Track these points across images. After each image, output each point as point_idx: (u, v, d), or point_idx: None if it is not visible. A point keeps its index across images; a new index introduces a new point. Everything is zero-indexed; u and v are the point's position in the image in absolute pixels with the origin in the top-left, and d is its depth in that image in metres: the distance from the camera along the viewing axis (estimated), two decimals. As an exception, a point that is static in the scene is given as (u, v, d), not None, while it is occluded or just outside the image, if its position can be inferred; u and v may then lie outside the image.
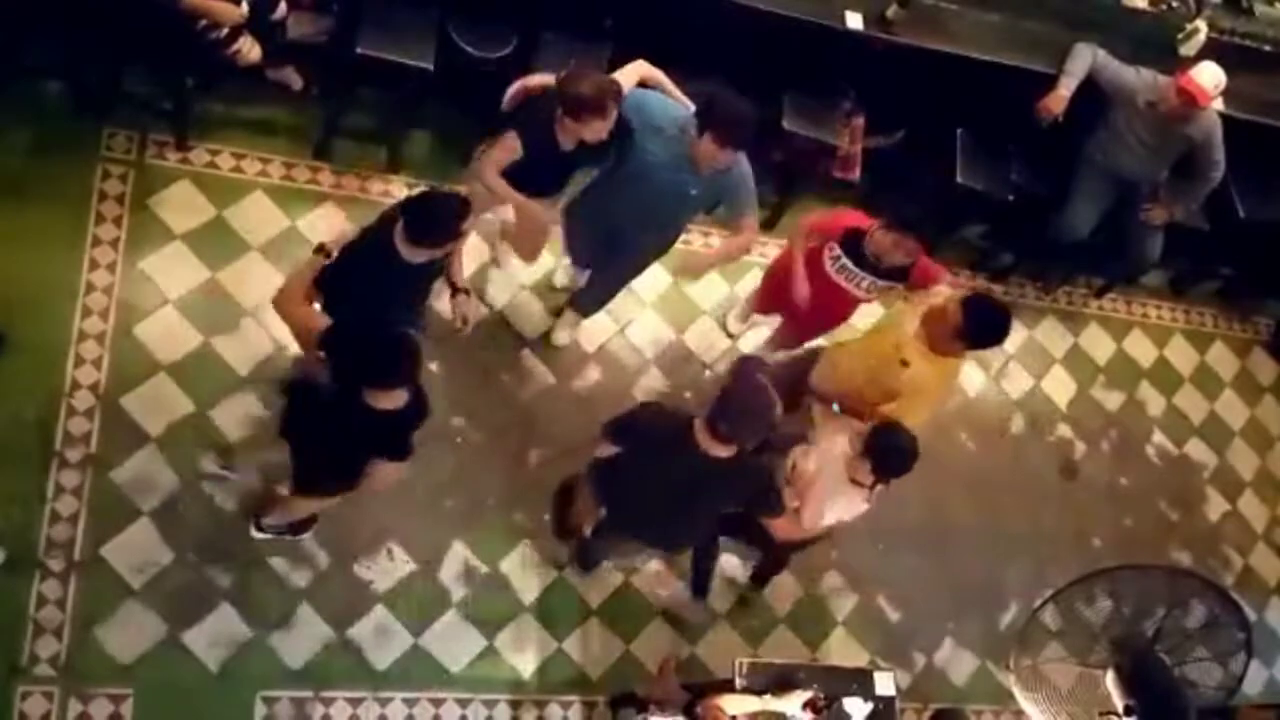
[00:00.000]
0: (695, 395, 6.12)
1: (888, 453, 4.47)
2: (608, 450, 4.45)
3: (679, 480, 4.24)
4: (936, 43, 5.99)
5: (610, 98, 4.56)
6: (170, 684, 4.72)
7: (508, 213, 5.41)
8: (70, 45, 5.39)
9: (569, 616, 5.44)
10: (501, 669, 5.25)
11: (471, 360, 5.74)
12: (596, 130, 4.64)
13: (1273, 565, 7.11)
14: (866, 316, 5.92)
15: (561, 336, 5.94)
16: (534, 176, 4.88)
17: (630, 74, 4.83)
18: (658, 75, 4.93)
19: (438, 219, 4.22)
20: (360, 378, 3.91)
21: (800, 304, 5.21)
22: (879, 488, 4.62)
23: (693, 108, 4.80)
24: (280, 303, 4.34)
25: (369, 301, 4.22)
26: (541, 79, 4.81)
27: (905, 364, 4.81)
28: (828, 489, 4.62)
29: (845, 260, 5.10)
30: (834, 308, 5.44)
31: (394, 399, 3.97)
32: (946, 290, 5.01)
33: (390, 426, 4.04)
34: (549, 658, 5.34)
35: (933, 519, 6.27)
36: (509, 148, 4.76)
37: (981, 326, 4.71)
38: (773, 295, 5.74)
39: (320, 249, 4.31)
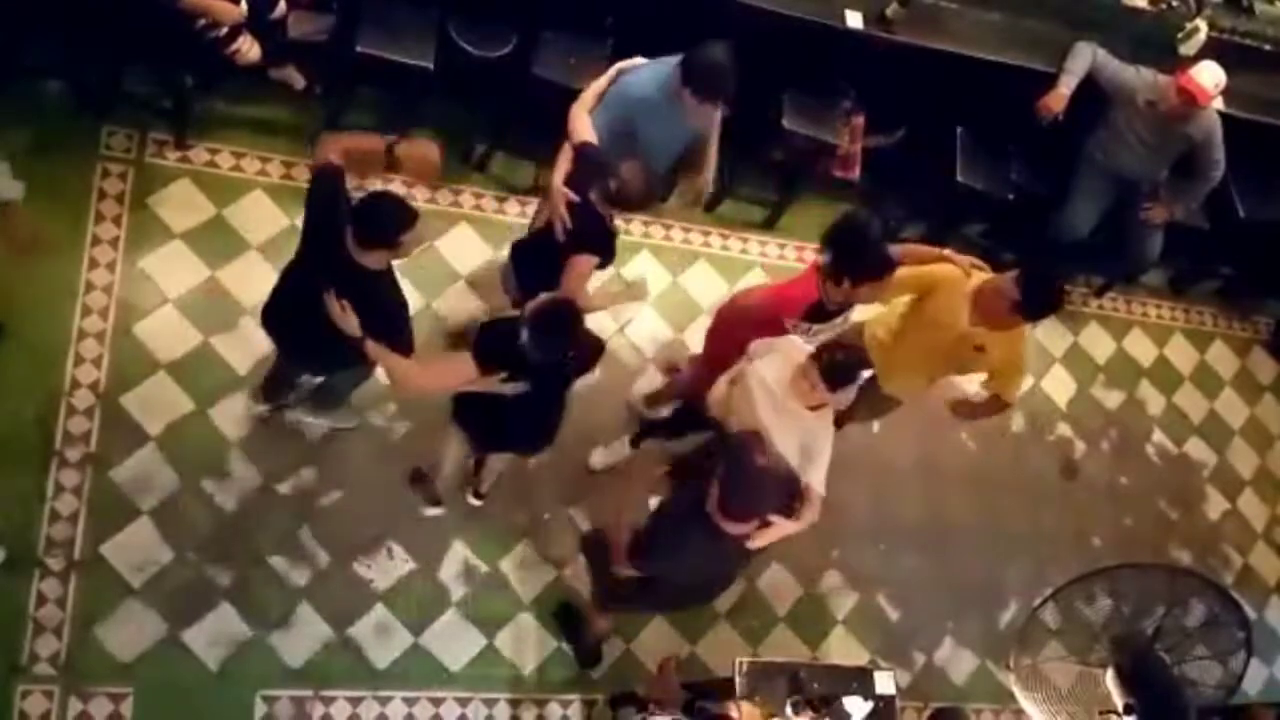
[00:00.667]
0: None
1: (834, 366, 4.26)
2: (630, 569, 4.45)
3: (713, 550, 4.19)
4: (936, 41, 5.99)
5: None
6: (170, 683, 4.72)
7: None
8: (70, 44, 5.39)
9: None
10: (501, 668, 5.26)
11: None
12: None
13: (1272, 564, 7.11)
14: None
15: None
16: None
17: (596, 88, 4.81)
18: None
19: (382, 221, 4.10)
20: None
21: None
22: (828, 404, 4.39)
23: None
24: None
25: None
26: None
27: (980, 349, 4.89)
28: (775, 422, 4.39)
29: (815, 323, 4.79)
30: None
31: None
32: (964, 265, 4.95)
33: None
34: (549, 656, 5.34)
35: (933, 518, 6.27)
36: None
37: (1039, 299, 4.75)
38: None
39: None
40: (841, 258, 4.60)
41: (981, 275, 4.94)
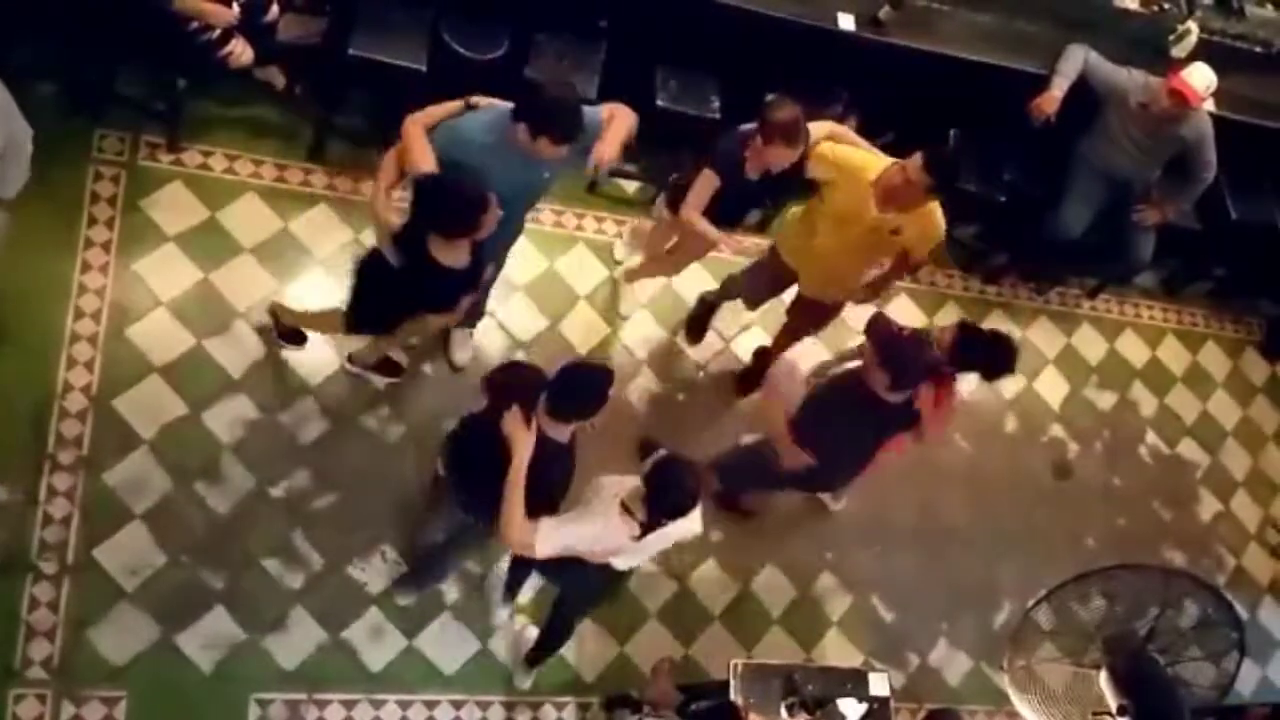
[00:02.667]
0: (688, 395, 6.13)
1: (666, 488, 3.98)
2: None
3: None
4: (929, 44, 6.00)
5: (803, 131, 4.86)
6: (164, 686, 4.71)
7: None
8: (63, 46, 5.39)
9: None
10: (496, 670, 5.25)
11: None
12: (782, 158, 4.90)
13: (1265, 565, 7.13)
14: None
15: (462, 357, 5.74)
16: (721, 208, 5.19)
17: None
18: None
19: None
20: (437, 223, 4.26)
21: None
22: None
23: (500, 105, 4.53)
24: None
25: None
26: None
27: (896, 232, 5.01)
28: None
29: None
30: None
31: (457, 255, 4.34)
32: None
33: (447, 283, 4.41)
34: (543, 659, 5.34)
35: (927, 520, 6.28)
36: (709, 184, 5.07)
37: (945, 174, 4.88)
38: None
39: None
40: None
41: (883, 162, 5.02)
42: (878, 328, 4.63)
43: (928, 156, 4.80)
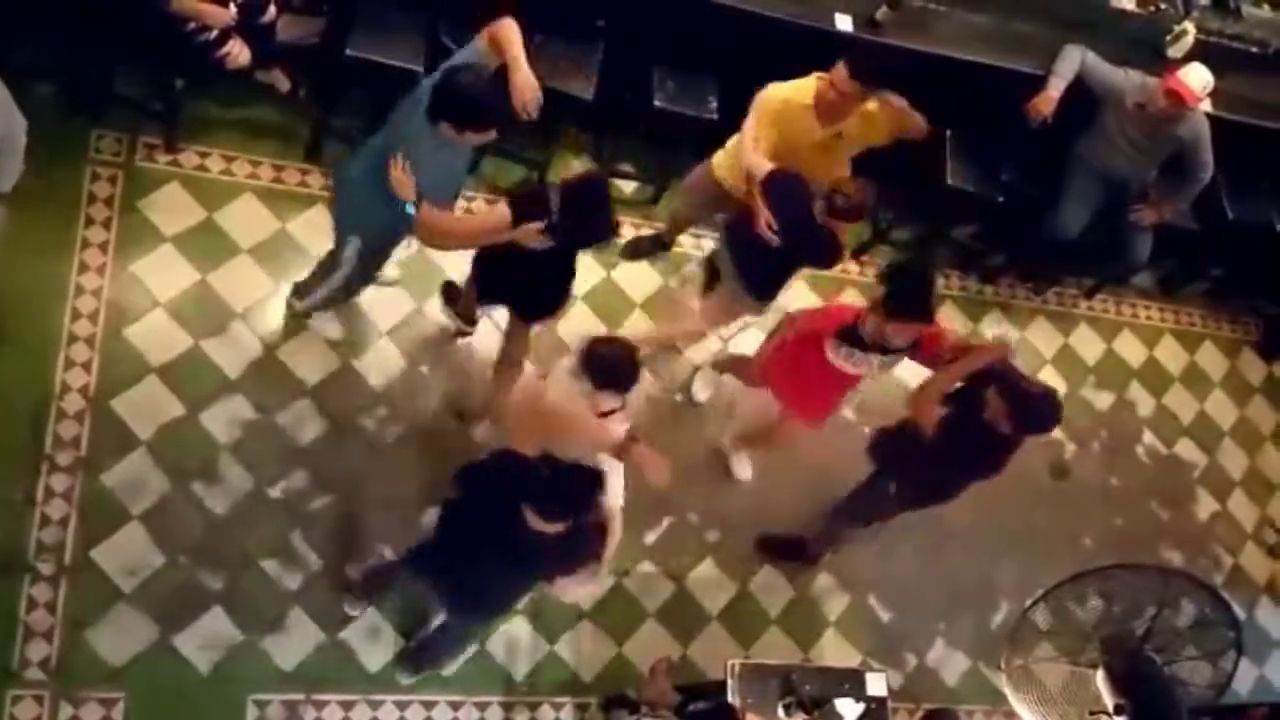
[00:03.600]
0: (685, 397, 6.13)
1: (601, 365, 4.28)
2: None
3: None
4: (926, 44, 6.00)
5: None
6: (161, 687, 4.71)
7: None
8: (60, 47, 5.39)
9: (561, 618, 5.43)
10: (494, 671, 5.25)
11: (466, 363, 5.75)
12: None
13: (1262, 564, 7.14)
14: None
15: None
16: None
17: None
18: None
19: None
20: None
21: (817, 418, 5.43)
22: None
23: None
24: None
25: None
26: None
27: (839, 135, 5.23)
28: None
29: (850, 349, 4.96)
30: (837, 387, 5.28)
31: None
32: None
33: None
34: (541, 659, 5.34)
35: (924, 520, 6.24)
36: None
37: (870, 70, 5.03)
38: (777, 387, 5.53)
39: None
40: (888, 292, 4.81)
41: (811, 83, 5.14)
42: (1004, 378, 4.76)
43: (850, 63, 4.96)
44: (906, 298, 4.76)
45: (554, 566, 4.22)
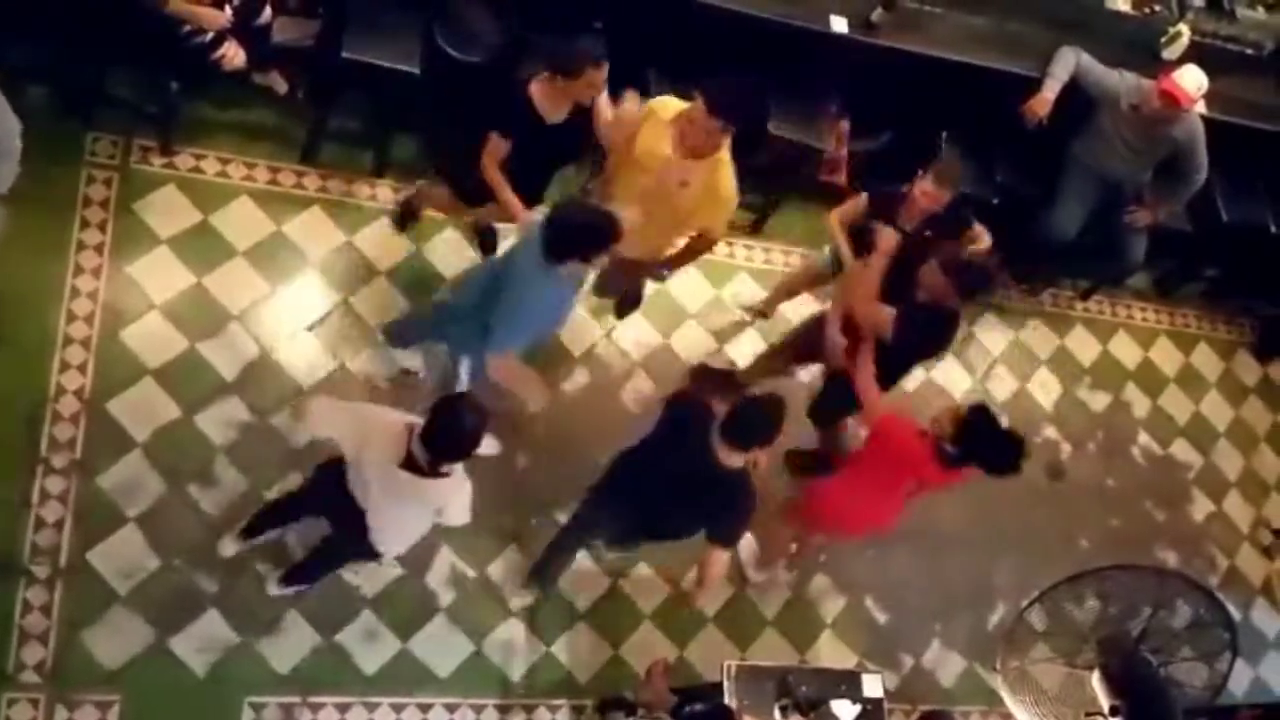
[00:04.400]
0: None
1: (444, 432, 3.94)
2: None
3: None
4: (921, 46, 6.01)
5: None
6: (157, 690, 4.70)
7: None
8: (55, 49, 5.38)
9: (557, 620, 5.44)
10: (489, 673, 5.25)
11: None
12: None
13: (1257, 565, 7.15)
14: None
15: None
16: None
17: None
18: None
19: None
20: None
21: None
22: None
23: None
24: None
25: None
26: None
27: (685, 184, 4.82)
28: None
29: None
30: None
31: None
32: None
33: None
34: (537, 661, 5.34)
35: (920, 521, 6.25)
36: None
37: (730, 106, 4.63)
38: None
39: None
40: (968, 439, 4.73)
41: (678, 106, 4.85)
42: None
43: (708, 93, 4.56)
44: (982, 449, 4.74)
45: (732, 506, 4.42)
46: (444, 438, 3.82)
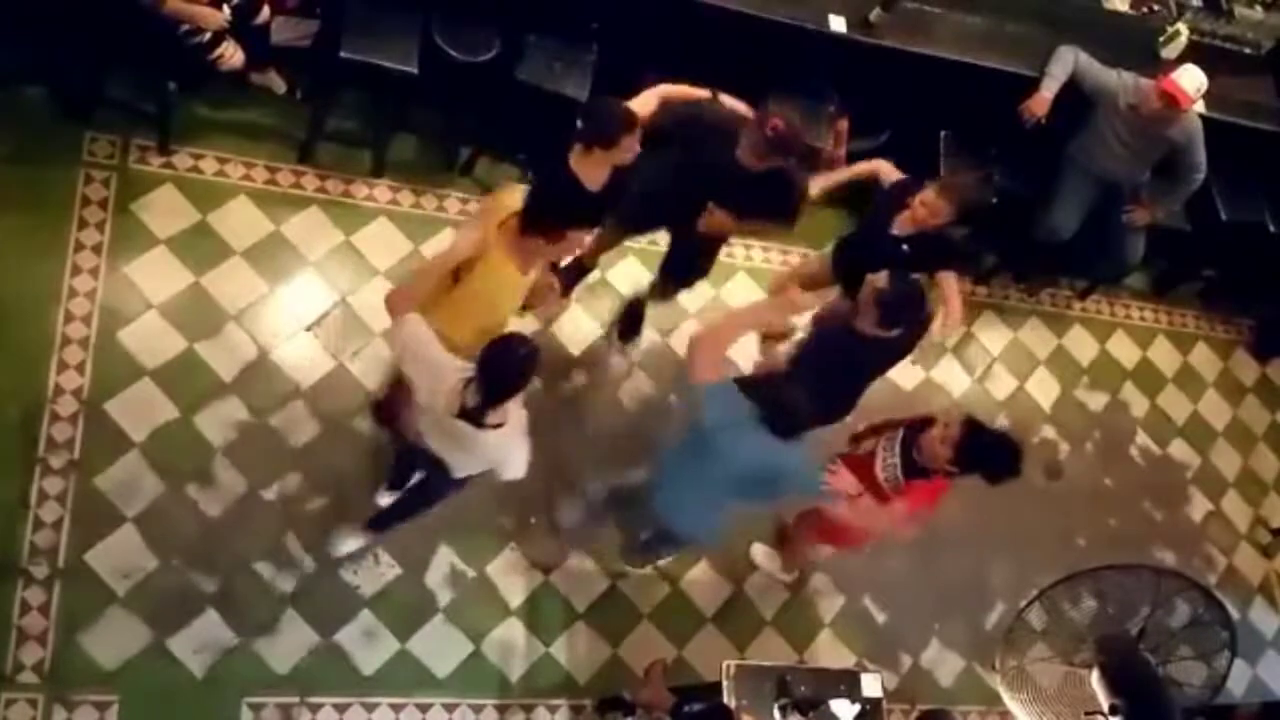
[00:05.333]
0: (680, 398, 6.13)
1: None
2: None
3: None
4: (920, 45, 6.01)
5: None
6: (155, 690, 4.70)
7: None
8: (53, 50, 5.37)
9: (556, 620, 5.44)
10: (488, 673, 5.25)
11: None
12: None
13: (1256, 564, 7.15)
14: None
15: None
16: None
17: None
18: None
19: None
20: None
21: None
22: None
23: None
24: None
25: None
26: None
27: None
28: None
29: (896, 458, 4.88)
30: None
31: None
32: None
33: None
34: (536, 661, 5.34)
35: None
36: None
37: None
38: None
39: None
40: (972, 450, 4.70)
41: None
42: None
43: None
44: (986, 459, 4.71)
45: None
46: (494, 372, 3.86)
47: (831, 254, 5.78)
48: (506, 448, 4.09)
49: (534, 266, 4.35)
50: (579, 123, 4.55)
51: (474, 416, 3.91)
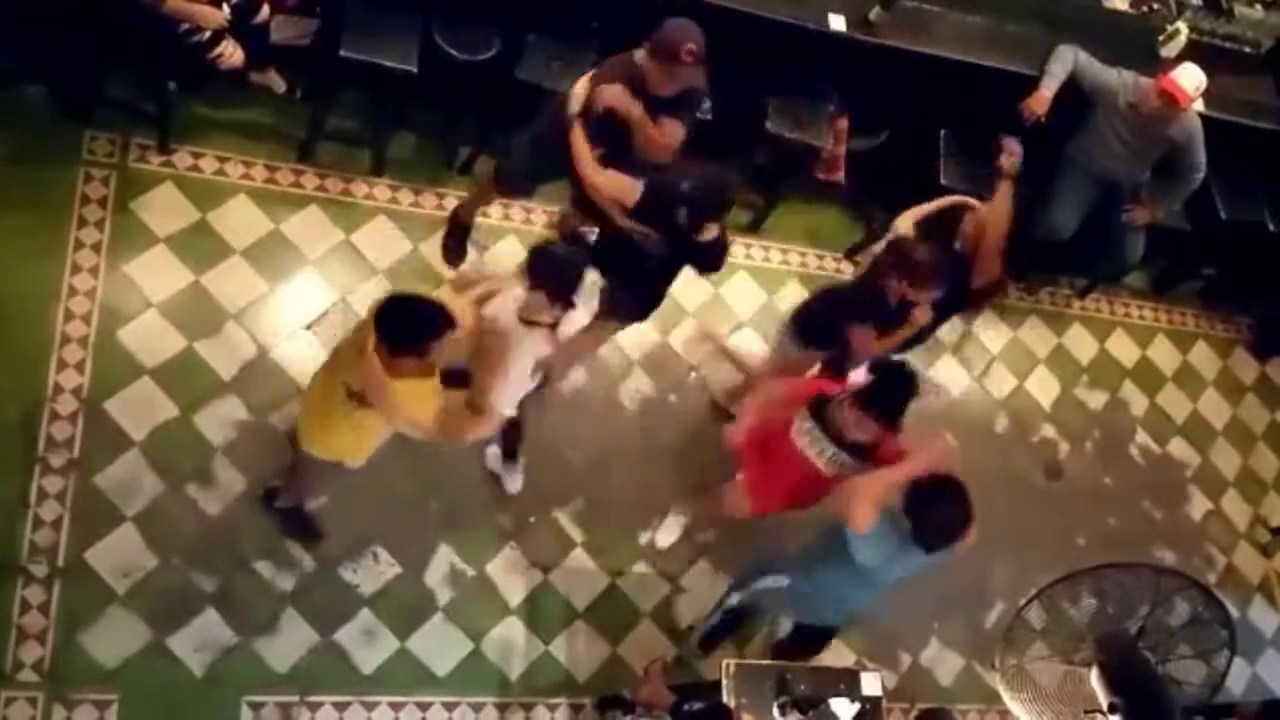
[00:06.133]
0: (680, 398, 6.13)
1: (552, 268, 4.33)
2: None
3: None
4: (919, 44, 6.01)
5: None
6: (155, 689, 4.70)
7: None
8: (52, 49, 5.37)
9: (555, 619, 5.44)
10: (488, 672, 5.25)
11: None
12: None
13: (1255, 563, 7.16)
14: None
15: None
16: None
17: None
18: None
19: None
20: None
21: (758, 496, 5.15)
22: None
23: None
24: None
25: None
26: None
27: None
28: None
29: (814, 424, 4.78)
30: (799, 479, 4.94)
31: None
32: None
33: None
34: (536, 660, 5.34)
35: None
36: None
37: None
38: (743, 450, 5.20)
39: None
40: (872, 382, 4.79)
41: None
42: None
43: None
44: (886, 395, 4.65)
45: None
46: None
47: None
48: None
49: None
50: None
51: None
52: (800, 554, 4.92)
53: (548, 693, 5.31)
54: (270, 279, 5.59)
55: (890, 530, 4.41)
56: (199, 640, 4.84)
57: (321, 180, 5.90)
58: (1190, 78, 5.93)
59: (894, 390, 4.71)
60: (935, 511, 4.40)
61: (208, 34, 5.13)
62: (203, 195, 5.63)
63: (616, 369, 6.08)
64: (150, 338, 5.26)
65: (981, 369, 6.97)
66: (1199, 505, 7.19)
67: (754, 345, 6.32)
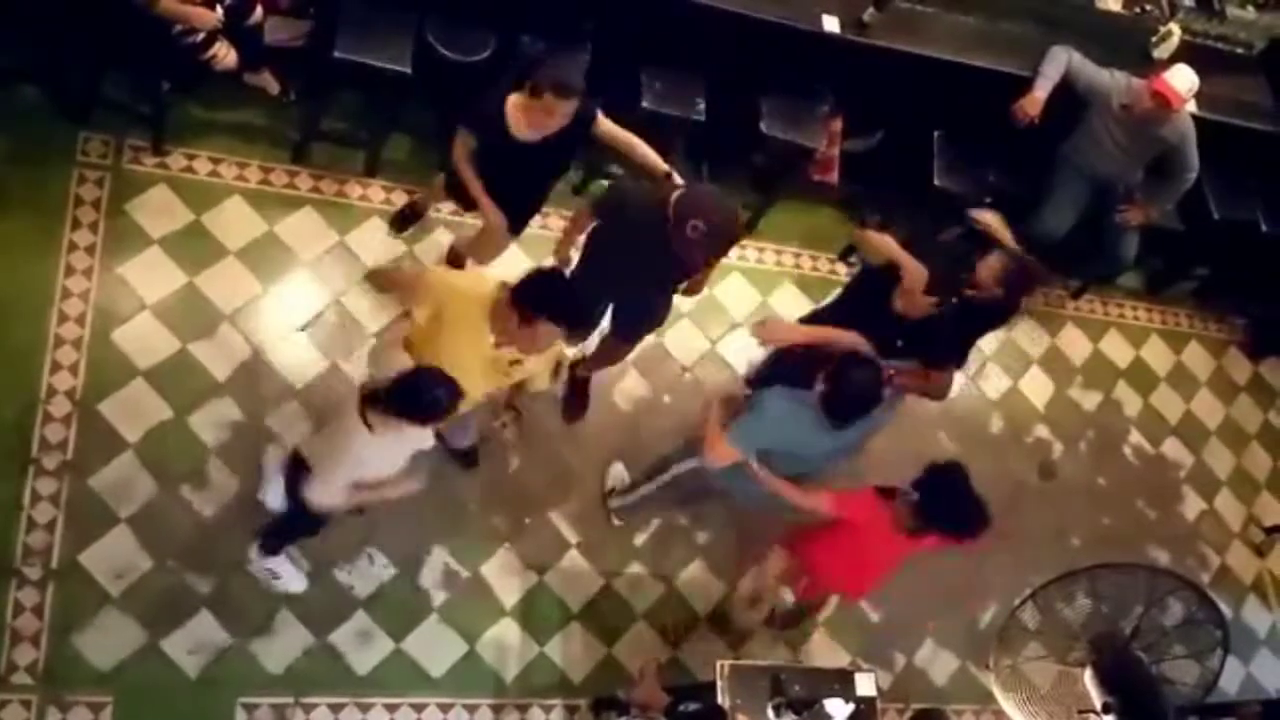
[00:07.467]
0: (673, 398, 6.13)
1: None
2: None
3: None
4: (913, 46, 6.01)
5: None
6: (150, 691, 4.70)
7: None
8: (46, 50, 5.36)
9: (550, 620, 5.44)
10: (483, 673, 5.25)
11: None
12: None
13: (1248, 563, 7.17)
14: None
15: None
16: None
17: None
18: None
19: None
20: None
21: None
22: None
23: None
24: None
25: None
26: None
27: (517, 362, 4.43)
28: None
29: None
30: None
31: None
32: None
33: None
34: (531, 661, 5.34)
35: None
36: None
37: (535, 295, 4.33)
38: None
39: None
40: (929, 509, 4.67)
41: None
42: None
43: (513, 290, 4.13)
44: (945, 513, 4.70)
45: None
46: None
47: None
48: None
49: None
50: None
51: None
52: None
53: (543, 694, 5.31)
54: (264, 280, 5.58)
55: (798, 408, 4.56)
56: (194, 642, 4.83)
57: (316, 182, 5.90)
58: (1183, 79, 5.95)
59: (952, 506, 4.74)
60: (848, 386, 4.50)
61: (201, 35, 5.13)
62: (197, 197, 5.62)
63: (611, 371, 6.07)
64: (144, 339, 5.26)
65: (975, 369, 6.97)
66: (1193, 505, 7.21)
67: (751, 348, 6.31)
